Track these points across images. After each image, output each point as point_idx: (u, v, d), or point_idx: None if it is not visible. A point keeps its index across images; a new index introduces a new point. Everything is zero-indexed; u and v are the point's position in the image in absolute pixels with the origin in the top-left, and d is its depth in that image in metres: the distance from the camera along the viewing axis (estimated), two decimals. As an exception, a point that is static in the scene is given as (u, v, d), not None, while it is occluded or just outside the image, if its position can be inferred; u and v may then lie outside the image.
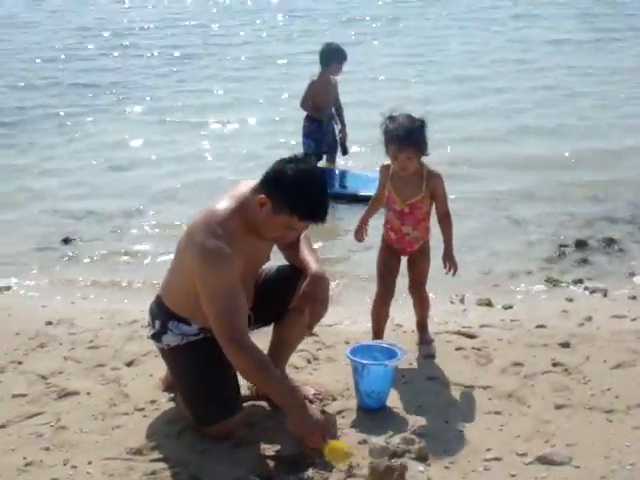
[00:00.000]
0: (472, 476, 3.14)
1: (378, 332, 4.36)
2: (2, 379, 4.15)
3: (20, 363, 4.34)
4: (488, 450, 3.31)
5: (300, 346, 4.26)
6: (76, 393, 3.94)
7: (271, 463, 3.26)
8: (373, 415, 3.64)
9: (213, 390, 3.46)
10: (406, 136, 3.82)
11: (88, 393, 3.93)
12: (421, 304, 4.38)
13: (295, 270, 3.66)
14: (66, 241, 6.69)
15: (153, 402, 3.79)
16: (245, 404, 3.73)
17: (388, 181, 4.07)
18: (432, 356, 4.24)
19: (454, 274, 4.20)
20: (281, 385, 3.36)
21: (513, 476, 3.13)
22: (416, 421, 3.58)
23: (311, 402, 3.71)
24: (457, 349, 4.34)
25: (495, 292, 5.53)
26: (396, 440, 3.35)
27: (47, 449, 3.42)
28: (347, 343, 4.36)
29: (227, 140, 10.30)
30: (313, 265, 3.56)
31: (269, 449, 3.38)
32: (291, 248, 3.68)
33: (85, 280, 5.98)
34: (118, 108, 12.05)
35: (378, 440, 3.35)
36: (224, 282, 3.22)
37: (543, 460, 3.21)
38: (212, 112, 11.49)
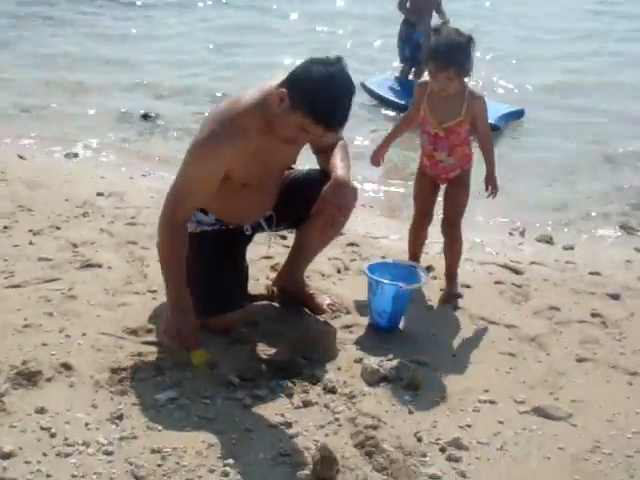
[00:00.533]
0: (457, 415, 2.92)
1: (414, 255, 4.08)
2: (36, 241, 4.20)
3: (58, 228, 4.38)
4: (486, 391, 3.08)
5: (335, 254, 4.12)
6: (98, 266, 3.94)
7: (259, 366, 3.13)
8: (381, 335, 3.47)
9: (215, 283, 3.33)
10: (447, 55, 3.41)
11: (109, 267, 3.93)
12: (451, 247, 3.87)
13: (323, 174, 3.43)
14: (145, 117, 6.65)
15: (167, 286, 3.71)
16: (257, 303, 3.64)
17: (424, 101, 3.65)
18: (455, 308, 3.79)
19: (494, 196, 3.78)
20: (176, 284, 3.13)
21: (501, 422, 2.88)
22: (423, 349, 3.38)
23: (323, 312, 3.58)
24: (496, 282, 4.06)
25: (561, 230, 5.19)
26: (391, 364, 3.16)
27: (50, 314, 3.43)
28: (383, 258, 4.14)
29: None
30: (340, 171, 3.32)
31: (263, 352, 3.26)
32: (324, 152, 3.46)
33: (151, 157, 5.94)
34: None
35: (373, 361, 3.17)
36: (198, 170, 3.11)
37: (539, 412, 2.96)
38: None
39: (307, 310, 3.61)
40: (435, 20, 7.63)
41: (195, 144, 3.12)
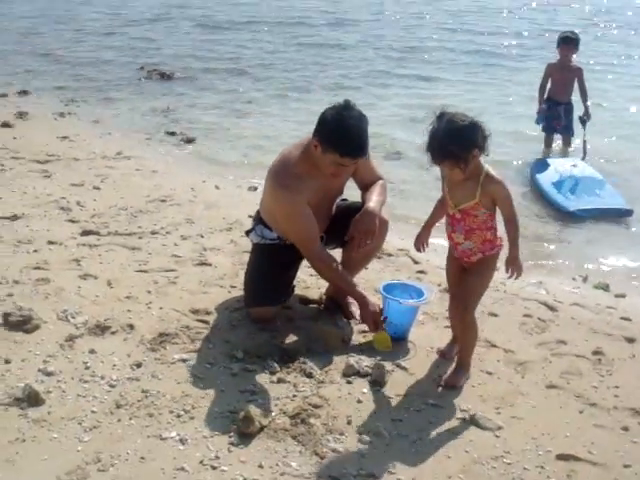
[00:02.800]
0: (397, 410, 3.19)
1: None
2: (180, 244, 5.12)
3: (202, 237, 5.29)
4: (439, 397, 3.29)
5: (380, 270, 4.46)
6: (209, 265, 4.73)
7: (268, 349, 3.65)
8: (387, 341, 3.77)
9: (261, 281, 3.93)
10: (439, 149, 3.13)
11: (216, 267, 4.69)
12: (461, 336, 3.48)
13: (363, 206, 3.90)
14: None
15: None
16: (305, 305, 4.15)
17: (445, 181, 3.39)
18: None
19: (516, 278, 3.40)
20: (349, 283, 3.83)
21: (430, 423, 3.11)
22: (413, 357, 3.64)
23: (352, 318, 4.01)
24: (524, 315, 4.12)
25: (630, 282, 5.05)
26: (368, 363, 3.50)
27: (149, 292, 4.25)
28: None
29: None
30: (371, 203, 3.80)
31: (279, 340, 3.75)
32: (366, 189, 3.95)
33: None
34: None
35: (354, 359, 3.52)
36: (291, 211, 3.72)
37: (472, 420, 3.12)
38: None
39: (342, 315, 4.04)
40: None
41: (271, 196, 3.81)
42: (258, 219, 4.06)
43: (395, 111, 10.03)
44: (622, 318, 4.15)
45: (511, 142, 8.29)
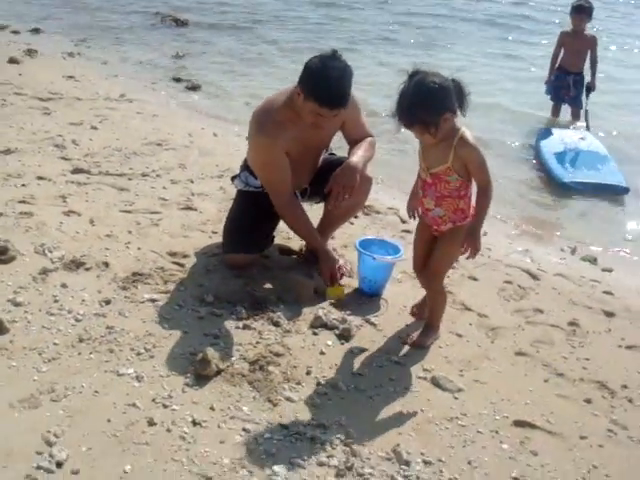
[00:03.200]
0: (358, 365, 3.16)
1: (413, 313, 3.60)
2: (168, 187, 5.09)
3: (192, 182, 5.26)
4: (404, 356, 3.25)
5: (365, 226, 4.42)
6: (194, 209, 4.69)
7: (239, 295, 3.62)
8: (361, 298, 3.74)
9: (239, 229, 3.89)
10: (408, 111, 2.93)
11: (201, 212, 4.66)
12: (430, 300, 3.40)
13: None
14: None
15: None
16: (284, 256, 4.11)
17: (419, 144, 3.18)
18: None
19: (470, 257, 3.13)
20: (312, 235, 3.86)
21: (391, 380, 3.08)
22: (384, 314, 3.60)
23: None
24: (505, 282, 4.06)
25: (619, 257, 4.99)
26: (336, 316, 3.48)
27: (129, 232, 4.22)
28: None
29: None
30: (354, 157, 3.71)
31: (252, 287, 3.72)
32: (353, 145, 3.86)
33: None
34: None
35: (322, 311, 3.49)
36: (267, 159, 3.69)
37: (433, 380, 3.09)
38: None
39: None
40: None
41: (251, 140, 3.75)
42: (245, 166, 4.00)
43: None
44: (605, 292, 4.08)
45: (518, 118, 8.15)
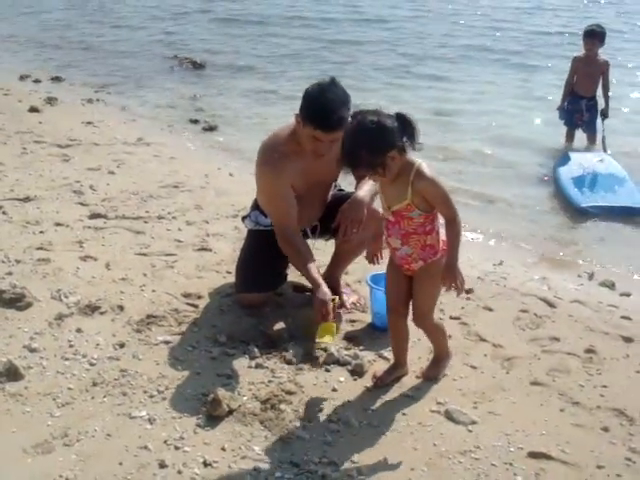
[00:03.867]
0: (370, 400, 3.16)
1: (397, 358, 3.37)
2: (184, 229, 5.18)
3: (207, 223, 5.29)
4: (416, 389, 3.24)
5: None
6: (209, 250, 4.76)
7: (252, 334, 3.66)
8: (374, 333, 3.74)
9: (251, 268, 3.93)
10: (349, 156, 2.87)
11: (215, 252, 4.71)
12: (429, 336, 3.36)
13: None
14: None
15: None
16: (297, 294, 4.14)
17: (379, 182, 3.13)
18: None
19: (450, 289, 3.05)
20: (310, 272, 3.62)
21: (404, 414, 3.06)
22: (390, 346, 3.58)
23: (343, 307, 3.92)
24: (521, 310, 4.03)
25: (636, 282, 4.90)
26: (349, 352, 3.50)
27: (145, 275, 4.30)
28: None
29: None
30: (361, 192, 3.74)
31: (266, 325, 3.77)
32: (360, 179, 3.80)
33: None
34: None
35: (335, 347, 3.51)
36: (271, 190, 3.71)
37: (447, 414, 3.07)
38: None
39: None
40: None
41: (256, 171, 3.78)
42: (255, 205, 4.06)
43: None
44: (623, 317, 4.03)
45: (533, 145, 8.13)
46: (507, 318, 3.96)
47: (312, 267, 3.74)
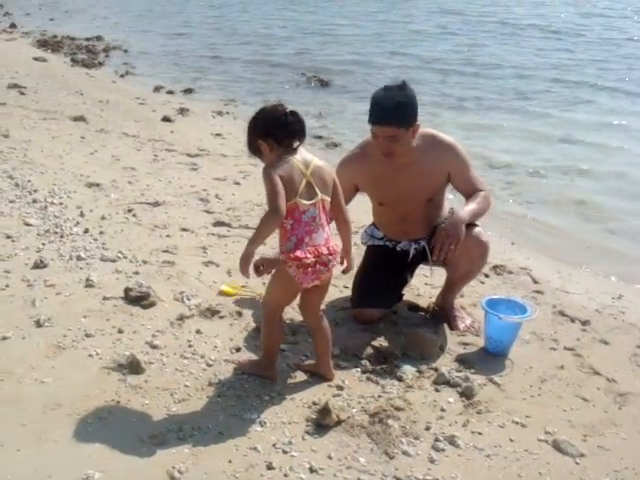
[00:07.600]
0: (479, 423, 3.18)
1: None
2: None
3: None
4: (527, 417, 3.23)
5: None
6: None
7: (364, 349, 3.76)
8: (486, 356, 3.77)
9: (368, 284, 4.06)
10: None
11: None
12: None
13: None
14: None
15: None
16: (412, 312, 4.22)
17: None
18: None
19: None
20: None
21: (511, 440, 3.06)
22: (509, 373, 3.62)
23: (457, 329, 4.00)
24: (638, 346, 3.98)
25: None
26: (460, 374, 3.52)
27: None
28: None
29: None
30: (461, 212, 3.76)
31: (378, 341, 3.85)
32: (467, 198, 3.91)
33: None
34: None
35: (446, 368, 3.55)
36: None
37: (555, 444, 3.04)
38: None
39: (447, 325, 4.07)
40: None
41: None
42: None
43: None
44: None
45: None
46: (623, 353, 3.88)
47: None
